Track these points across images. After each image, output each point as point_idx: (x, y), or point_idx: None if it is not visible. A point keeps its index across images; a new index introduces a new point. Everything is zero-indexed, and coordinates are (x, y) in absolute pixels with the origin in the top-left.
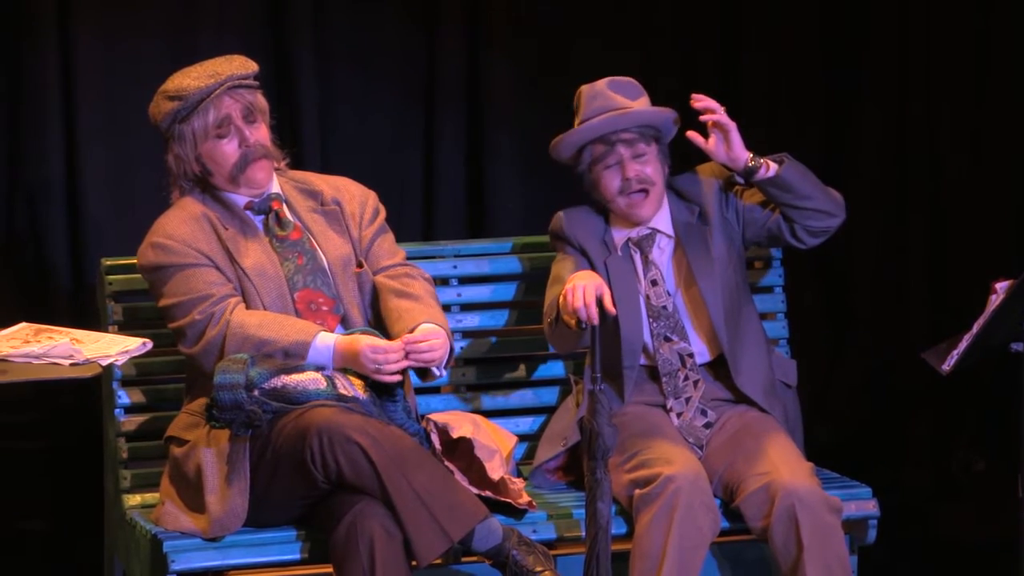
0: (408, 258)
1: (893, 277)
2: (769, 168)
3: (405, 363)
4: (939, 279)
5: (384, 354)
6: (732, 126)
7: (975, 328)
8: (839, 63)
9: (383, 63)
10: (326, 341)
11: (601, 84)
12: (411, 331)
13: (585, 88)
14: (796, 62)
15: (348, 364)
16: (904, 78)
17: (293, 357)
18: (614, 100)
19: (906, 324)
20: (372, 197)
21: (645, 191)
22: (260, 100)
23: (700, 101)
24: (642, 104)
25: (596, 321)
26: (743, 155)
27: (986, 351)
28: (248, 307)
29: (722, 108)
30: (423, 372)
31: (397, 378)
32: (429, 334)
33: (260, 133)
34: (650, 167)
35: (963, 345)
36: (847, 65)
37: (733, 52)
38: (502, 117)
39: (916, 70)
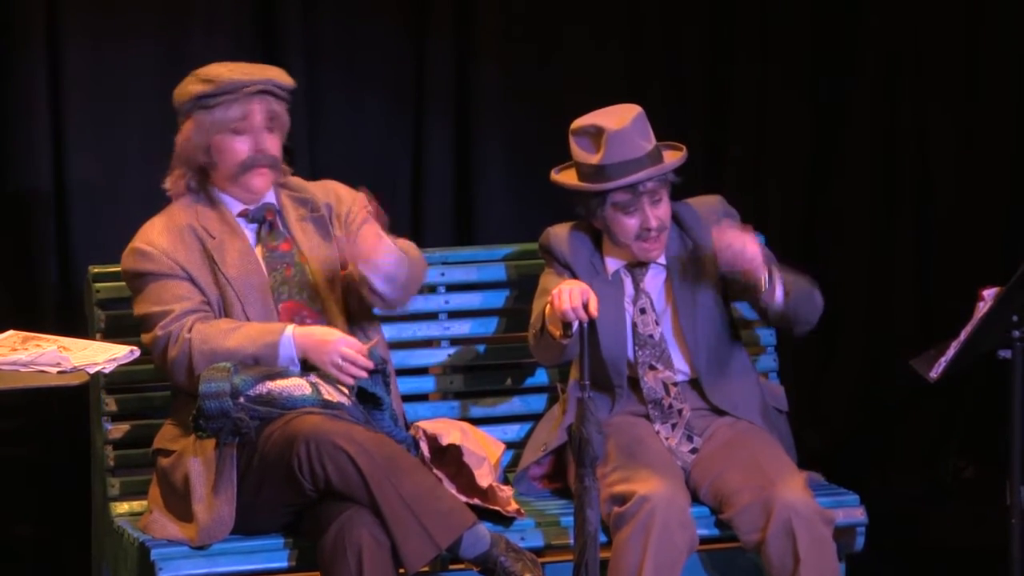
0: None
1: (882, 284)
2: (775, 298)
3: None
4: (927, 286)
5: (354, 358)
6: (759, 264)
7: (963, 335)
8: (829, 68)
9: (372, 69)
10: (288, 333)
11: (627, 124)
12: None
13: (609, 126)
14: (786, 66)
15: (310, 350)
16: (893, 86)
17: (265, 360)
18: (640, 147)
19: (894, 331)
20: (360, 198)
21: (659, 233)
22: (284, 114)
23: (729, 249)
24: (653, 138)
25: (584, 318)
26: (761, 275)
27: (974, 358)
28: (231, 316)
29: (751, 240)
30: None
31: (359, 374)
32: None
33: (274, 144)
34: (664, 207)
35: (951, 352)
36: (837, 71)
37: (722, 58)
38: (491, 124)
39: (905, 78)
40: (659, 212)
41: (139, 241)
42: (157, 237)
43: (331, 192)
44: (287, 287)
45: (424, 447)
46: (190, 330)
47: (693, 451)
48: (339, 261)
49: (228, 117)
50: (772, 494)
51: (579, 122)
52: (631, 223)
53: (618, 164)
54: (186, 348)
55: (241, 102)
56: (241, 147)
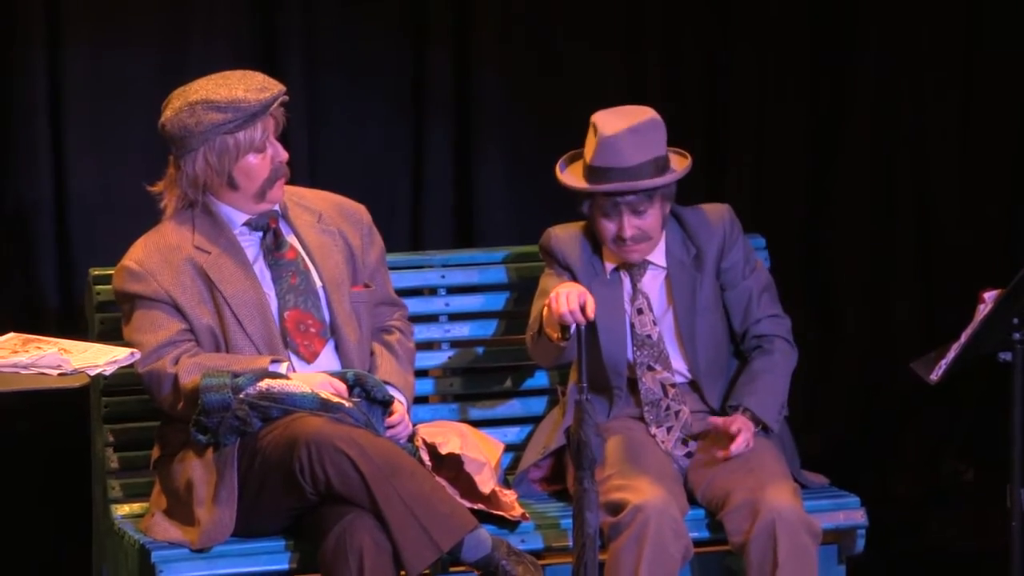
0: (396, 268)
1: (881, 286)
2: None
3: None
4: (927, 288)
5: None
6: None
7: (963, 338)
8: (828, 68)
9: (372, 72)
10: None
11: (622, 131)
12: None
13: (604, 129)
14: (785, 66)
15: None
16: (893, 86)
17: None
18: (628, 158)
19: (895, 333)
20: (364, 215)
21: (635, 243)
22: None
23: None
24: (658, 148)
25: (582, 321)
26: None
27: (974, 361)
28: (228, 334)
29: (738, 443)
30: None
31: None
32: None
33: (284, 150)
34: (650, 219)
35: (951, 355)
36: (837, 71)
37: (721, 59)
38: (491, 128)
39: (905, 79)
40: (640, 223)
41: (130, 259)
42: (147, 256)
43: (338, 214)
44: (292, 295)
45: (425, 455)
46: (176, 363)
47: (688, 455)
48: (348, 275)
49: (254, 138)
50: (760, 497)
51: (596, 115)
52: (609, 227)
53: (601, 169)
54: (172, 381)
55: (262, 120)
56: (264, 164)
